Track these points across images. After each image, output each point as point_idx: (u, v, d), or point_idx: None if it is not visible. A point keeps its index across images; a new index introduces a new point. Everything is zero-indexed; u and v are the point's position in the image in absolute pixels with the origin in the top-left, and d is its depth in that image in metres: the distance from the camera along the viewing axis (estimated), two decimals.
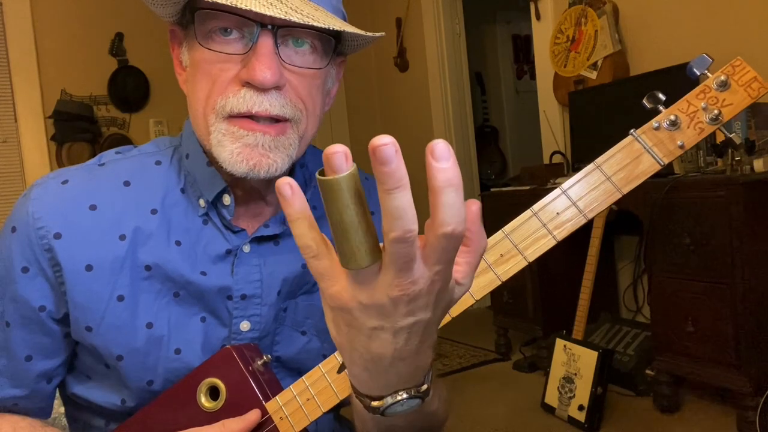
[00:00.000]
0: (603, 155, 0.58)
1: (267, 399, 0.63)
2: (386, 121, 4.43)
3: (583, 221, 0.57)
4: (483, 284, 0.57)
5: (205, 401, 0.64)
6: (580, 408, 2.06)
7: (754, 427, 1.75)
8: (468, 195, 3.82)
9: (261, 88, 0.60)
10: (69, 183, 0.67)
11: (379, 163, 0.31)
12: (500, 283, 0.58)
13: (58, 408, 1.02)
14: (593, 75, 2.65)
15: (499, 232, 0.57)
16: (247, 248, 0.70)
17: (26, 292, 0.65)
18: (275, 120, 0.62)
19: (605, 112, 2.52)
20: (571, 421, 2.09)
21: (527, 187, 2.62)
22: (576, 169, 2.68)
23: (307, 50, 0.63)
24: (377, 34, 0.66)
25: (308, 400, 0.61)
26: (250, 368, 0.64)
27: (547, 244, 0.57)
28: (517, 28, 5.12)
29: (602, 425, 2.06)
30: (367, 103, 4.46)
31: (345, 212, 0.33)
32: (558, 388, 2.17)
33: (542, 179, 2.62)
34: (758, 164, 1.88)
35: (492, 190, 2.94)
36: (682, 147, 0.57)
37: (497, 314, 2.86)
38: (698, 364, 1.92)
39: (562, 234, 0.57)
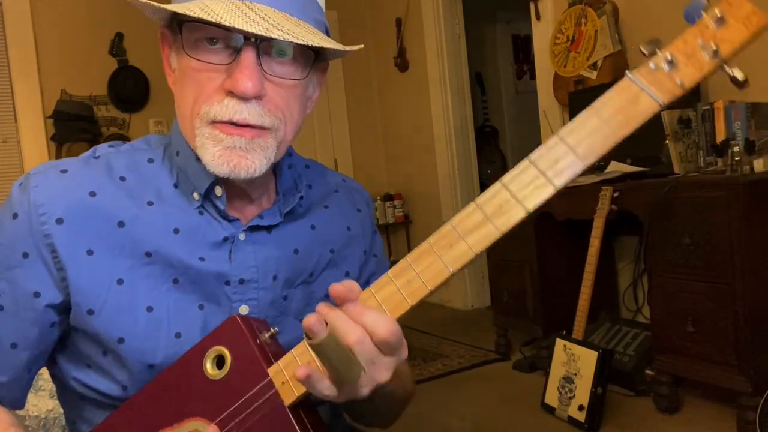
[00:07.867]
0: (599, 98, 0.56)
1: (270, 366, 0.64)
2: (386, 121, 4.43)
3: (582, 167, 0.55)
4: (482, 236, 0.56)
5: (210, 369, 0.65)
6: (580, 408, 2.06)
7: (754, 427, 1.75)
8: (468, 195, 3.83)
9: (242, 98, 0.64)
10: (69, 172, 0.70)
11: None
12: (500, 235, 0.56)
13: (57, 409, 1.02)
14: (593, 75, 2.65)
15: (497, 182, 0.56)
16: (242, 236, 0.74)
17: (25, 278, 0.67)
18: (255, 128, 0.66)
19: None
20: (571, 421, 2.09)
21: None
22: None
23: (289, 61, 0.67)
24: (355, 47, 0.71)
25: (309, 363, 0.60)
26: (257, 340, 0.65)
27: (546, 192, 0.55)
28: (517, 28, 5.12)
29: (602, 425, 2.06)
30: (367, 103, 4.46)
31: (331, 359, 0.55)
32: (558, 388, 2.17)
33: None
34: (758, 164, 1.88)
35: None
36: (682, 86, 0.55)
37: (497, 314, 2.86)
38: (698, 364, 1.92)
39: (560, 181, 0.55)
